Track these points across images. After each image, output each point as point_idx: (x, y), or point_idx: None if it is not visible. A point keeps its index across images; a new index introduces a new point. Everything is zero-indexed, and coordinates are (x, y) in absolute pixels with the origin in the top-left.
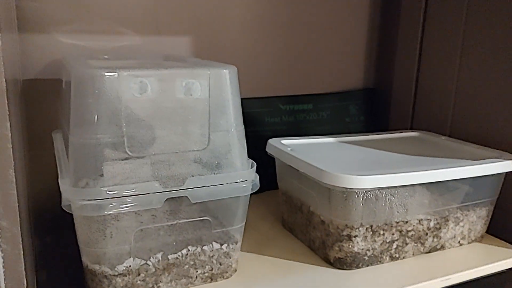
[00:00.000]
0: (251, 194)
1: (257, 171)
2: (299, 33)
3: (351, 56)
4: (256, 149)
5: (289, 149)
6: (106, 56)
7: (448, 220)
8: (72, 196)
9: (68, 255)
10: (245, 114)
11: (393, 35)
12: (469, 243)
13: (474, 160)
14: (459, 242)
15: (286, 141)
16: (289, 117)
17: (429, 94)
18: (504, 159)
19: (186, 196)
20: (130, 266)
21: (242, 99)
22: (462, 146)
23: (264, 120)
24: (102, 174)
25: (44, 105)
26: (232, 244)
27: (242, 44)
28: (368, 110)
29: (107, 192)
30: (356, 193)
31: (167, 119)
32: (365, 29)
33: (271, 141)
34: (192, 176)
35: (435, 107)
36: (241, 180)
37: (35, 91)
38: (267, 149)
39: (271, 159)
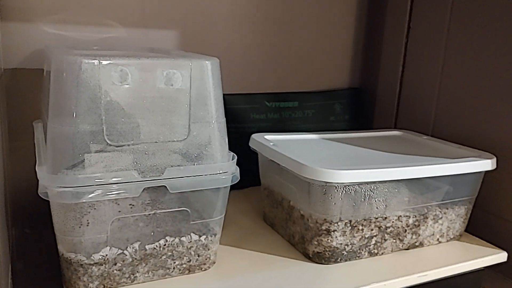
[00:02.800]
0: (233, 189)
1: (240, 168)
2: (286, 31)
3: (337, 56)
4: (241, 145)
5: (271, 144)
6: (95, 47)
7: (427, 218)
8: (49, 183)
9: (47, 246)
10: (230, 110)
11: (379, 36)
12: (447, 241)
13: (454, 158)
14: (437, 239)
15: (269, 136)
16: (275, 114)
17: (412, 95)
18: (483, 158)
19: (165, 187)
20: (106, 255)
21: (227, 95)
22: (443, 145)
23: (249, 117)
24: (80, 162)
25: (26, 95)
26: (211, 236)
27: (229, 40)
28: (353, 110)
29: (85, 179)
30: (335, 187)
31: (147, 108)
32: (352, 29)
33: (254, 136)
34: (172, 166)
35: (419, 107)
36: (221, 171)
37: (17, 81)
38: (250, 144)
39: (255, 155)
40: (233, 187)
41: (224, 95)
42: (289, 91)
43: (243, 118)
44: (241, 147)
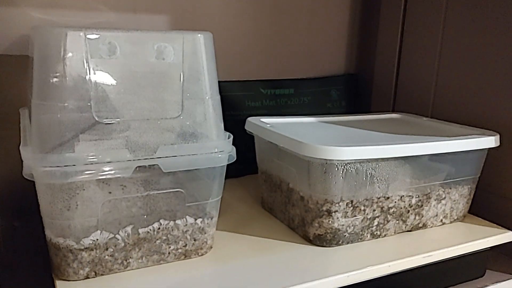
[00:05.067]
0: (229, 178)
1: (237, 155)
2: (281, 17)
3: (333, 42)
4: (236, 133)
5: (268, 125)
6: None
7: (430, 198)
8: (35, 162)
9: (36, 237)
10: (225, 97)
11: (374, 20)
12: (451, 222)
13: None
14: (441, 220)
15: (265, 119)
16: (270, 101)
17: (410, 78)
18: (487, 135)
19: (158, 166)
20: (97, 239)
21: (222, 82)
22: (445, 125)
23: (244, 104)
24: (67, 141)
25: (11, 82)
26: (207, 219)
27: (223, 26)
28: (350, 96)
29: (72, 158)
30: (336, 165)
31: (138, 83)
32: (347, 14)
33: (250, 119)
34: (165, 145)
35: (417, 91)
36: (216, 150)
37: (2, 68)
38: (246, 127)
39: (251, 143)
40: (228, 176)
41: (218, 82)
42: (285, 78)
43: (237, 106)
44: (236, 135)
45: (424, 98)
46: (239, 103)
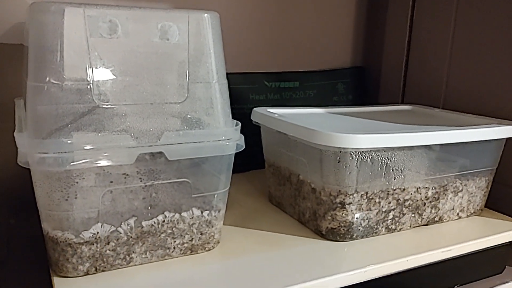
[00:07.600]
0: (234, 173)
1: (242, 150)
2: (287, 7)
3: (339, 33)
4: (241, 127)
5: (276, 115)
6: None
7: (446, 190)
8: (30, 149)
9: (33, 235)
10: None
11: (382, 10)
12: (468, 216)
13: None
14: (457, 214)
15: (272, 110)
16: (275, 95)
17: (420, 70)
18: (504, 125)
19: (163, 154)
20: (98, 233)
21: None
22: (459, 116)
23: (248, 97)
24: (65, 125)
25: (6, 72)
26: (214, 211)
27: (227, 17)
28: (357, 89)
29: (70, 144)
30: (350, 154)
31: (141, 65)
32: (354, 5)
33: (257, 109)
34: (170, 131)
35: (427, 82)
36: (224, 138)
37: None
38: (252, 117)
39: (256, 137)
40: (234, 170)
41: None
42: (290, 71)
43: (241, 99)
44: (240, 129)
45: (435, 90)
46: (242, 96)
